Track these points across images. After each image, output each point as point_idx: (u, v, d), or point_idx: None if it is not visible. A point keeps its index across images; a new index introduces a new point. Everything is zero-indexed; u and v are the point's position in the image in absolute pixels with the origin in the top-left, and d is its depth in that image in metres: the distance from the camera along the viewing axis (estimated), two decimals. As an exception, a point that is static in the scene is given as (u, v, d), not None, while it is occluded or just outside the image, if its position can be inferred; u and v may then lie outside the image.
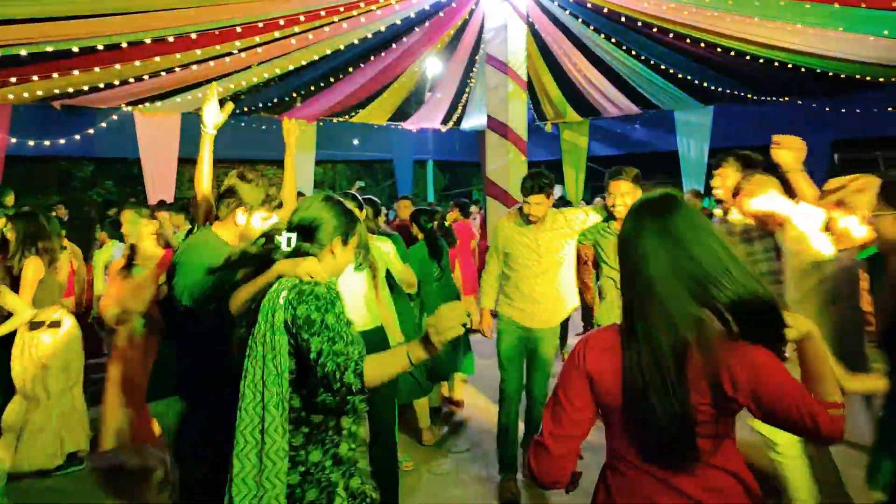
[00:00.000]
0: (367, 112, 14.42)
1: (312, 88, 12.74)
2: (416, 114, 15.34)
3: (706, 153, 13.32)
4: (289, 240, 2.32)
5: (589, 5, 9.83)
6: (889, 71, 10.79)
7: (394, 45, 11.43)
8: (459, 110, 15.19)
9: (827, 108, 12.27)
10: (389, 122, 15.23)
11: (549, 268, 4.40)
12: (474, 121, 15.04)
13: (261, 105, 13.66)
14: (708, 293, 1.59)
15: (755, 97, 12.72)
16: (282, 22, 8.96)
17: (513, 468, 4.53)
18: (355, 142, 15.23)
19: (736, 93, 12.73)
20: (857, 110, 12.00)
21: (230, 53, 9.83)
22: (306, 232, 2.35)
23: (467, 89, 14.21)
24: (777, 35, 9.82)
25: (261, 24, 8.87)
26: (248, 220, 3.21)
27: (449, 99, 14.54)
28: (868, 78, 11.20)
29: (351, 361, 2.05)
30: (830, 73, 11.19)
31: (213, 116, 3.42)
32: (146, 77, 9.95)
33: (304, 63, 11.16)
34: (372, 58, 11.84)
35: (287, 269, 2.24)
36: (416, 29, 10.94)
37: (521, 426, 4.65)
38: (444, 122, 15.75)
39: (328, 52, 10.89)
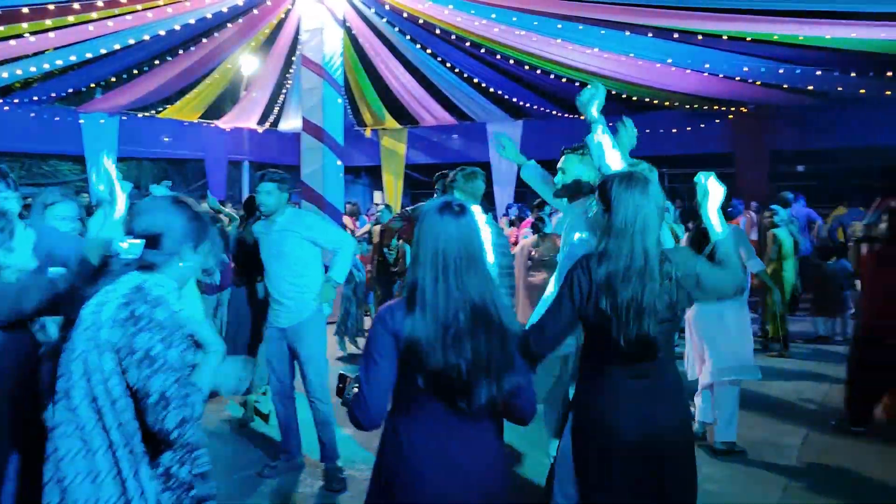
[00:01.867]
0: (176, 108, 13.69)
1: (114, 80, 11.90)
2: (231, 112, 14.79)
3: (515, 165, 13.98)
4: (131, 247, 2.03)
5: (405, 15, 9.99)
6: (671, 95, 11.97)
7: (204, 40, 10.95)
8: (276, 111, 14.84)
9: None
10: (201, 120, 14.56)
11: None
12: (292, 122, 14.76)
13: (54, 95, 12.54)
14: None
15: (560, 114, 13.56)
16: (77, 6, 8.29)
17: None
18: (166, 139, 14.38)
19: (543, 109, 13.51)
20: (647, 130, 13.17)
21: (18, 36, 8.97)
22: (151, 239, 2.06)
23: (284, 90, 13.93)
24: (578, 57, 10.55)
25: (52, 7, 8.15)
26: None
27: (265, 98, 14.16)
28: (655, 101, 12.35)
29: (195, 411, 1.91)
30: (624, 95, 12.21)
31: None
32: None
33: (103, 52, 10.39)
34: (181, 52, 11.27)
35: None
36: (229, 25, 10.55)
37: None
38: (261, 122, 15.32)
39: (132, 42, 10.22)
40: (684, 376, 4.95)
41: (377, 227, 8.59)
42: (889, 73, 10.22)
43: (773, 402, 6.10)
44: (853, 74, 10.27)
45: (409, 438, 2.08)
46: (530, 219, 7.79)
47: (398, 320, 2.06)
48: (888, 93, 10.77)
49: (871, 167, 15.67)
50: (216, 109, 14.80)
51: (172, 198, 2.20)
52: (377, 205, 12.38)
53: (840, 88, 10.78)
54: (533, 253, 6.27)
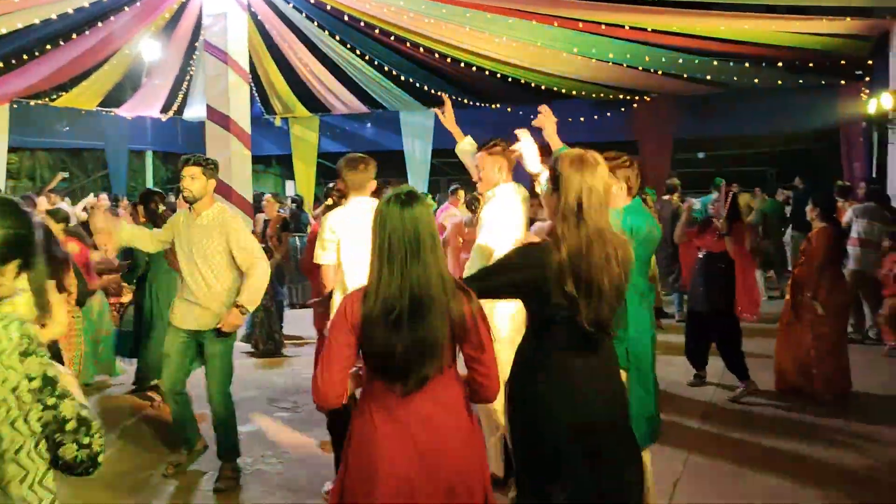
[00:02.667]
0: (72, 95, 13.02)
1: (2, 66, 11.20)
2: (132, 100, 14.19)
3: (429, 154, 14.05)
4: None
5: (312, 1, 9.83)
6: (579, 85, 12.24)
7: (100, 24, 10.45)
8: (180, 98, 14.34)
9: (531, 116, 13.51)
10: (100, 108, 13.92)
11: None
12: (197, 110, 14.30)
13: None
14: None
15: (471, 102, 13.65)
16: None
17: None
18: (65, 128, 13.63)
19: (454, 97, 13.57)
20: (555, 119, 13.42)
21: None
22: None
23: (188, 77, 13.47)
24: (487, 46, 10.65)
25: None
26: None
27: (168, 86, 13.65)
28: (563, 90, 12.60)
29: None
30: (533, 84, 12.41)
31: None
32: None
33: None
34: (75, 36, 10.72)
35: None
36: (126, 8, 10.11)
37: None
38: (164, 110, 14.76)
39: (20, 25, 9.66)
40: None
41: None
42: (780, 64, 10.79)
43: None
44: (747, 65, 10.78)
45: (371, 417, 2.21)
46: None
47: (356, 308, 2.18)
48: (780, 82, 11.35)
49: (766, 153, 16.50)
50: (116, 97, 14.15)
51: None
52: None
53: (735, 78, 11.29)
54: (467, 231, 6.20)
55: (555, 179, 2.43)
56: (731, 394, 5.77)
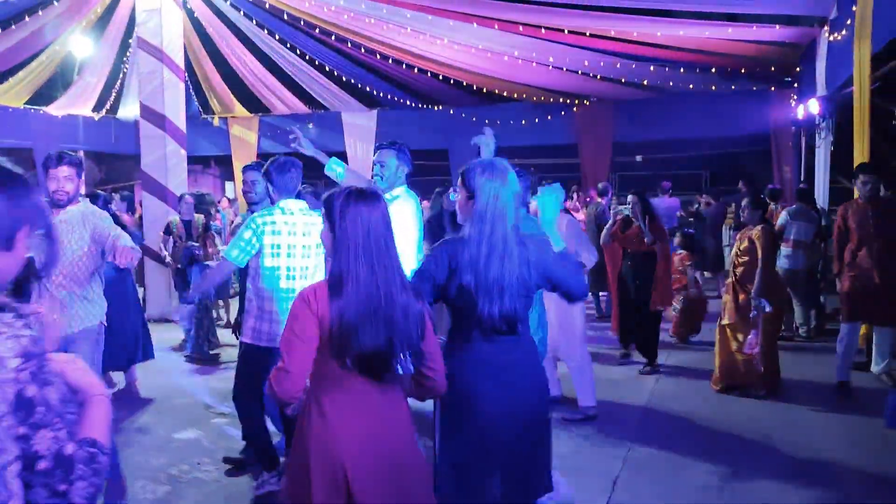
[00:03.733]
0: (-2, 92, 12.49)
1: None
2: (63, 98, 13.69)
3: (372, 155, 13.93)
4: None
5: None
6: (520, 88, 12.36)
7: (27, 18, 10.04)
8: (114, 96, 13.91)
9: (474, 118, 13.63)
10: (28, 106, 13.38)
11: None
12: (131, 109, 13.89)
13: None
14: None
15: (413, 104, 13.64)
16: None
17: None
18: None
19: (397, 99, 13.53)
20: (498, 122, 13.51)
21: None
22: None
23: (121, 74, 13.07)
24: (428, 47, 10.64)
25: None
26: None
27: (101, 83, 13.23)
28: (504, 93, 12.70)
29: None
30: (475, 86, 12.47)
31: None
32: None
33: None
34: (1, 31, 10.29)
35: None
36: (56, 2, 9.74)
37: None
38: (97, 108, 14.30)
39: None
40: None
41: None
42: (713, 70, 11.09)
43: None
44: (682, 70, 11.04)
45: (336, 413, 2.22)
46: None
47: (322, 303, 2.18)
48: (714, 87, 11.67)
49: (699, 157, 16.95)
50: (46, 95, 13.63)
51: None
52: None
53: (671, 83, 11.56)
54: None
55: (468, 187, 2.60)
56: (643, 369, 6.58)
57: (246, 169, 4.80)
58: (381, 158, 3.95)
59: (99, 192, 6.67)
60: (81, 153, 15.53)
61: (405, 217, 3.80)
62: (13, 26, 10.24)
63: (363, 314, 2.18)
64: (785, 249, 7.51)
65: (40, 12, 9.96)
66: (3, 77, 12.10)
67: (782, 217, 7.73)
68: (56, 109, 13.79)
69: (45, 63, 12.20)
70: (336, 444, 2.21)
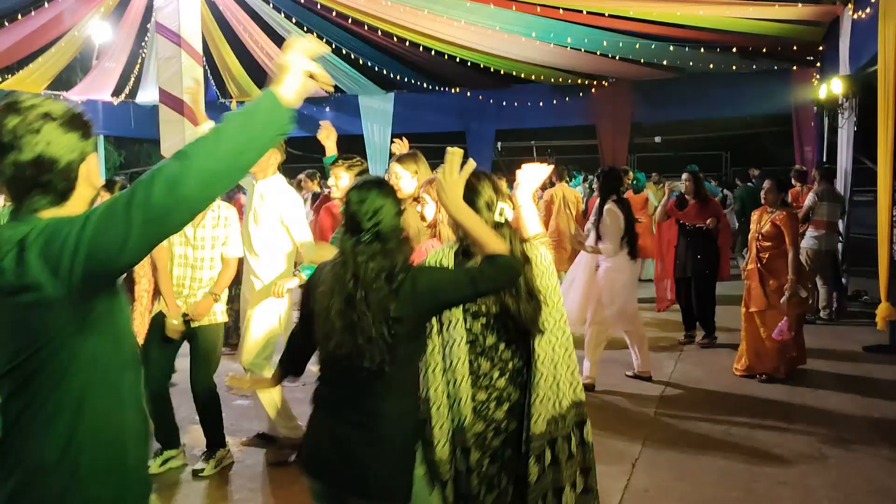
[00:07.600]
0: (19, 78, 12.58)
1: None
2: (82, 83, 13.78)
3: (389, 137, 13.94)
4: None
5: (266, -18, 9.65)
6: (538, 69, 12.26)
7: (46, 5, 10.10)
8: (132, 81, 13.97)
9: (491, 101, 13.56)
10: (48, 91, 13.48)
11: None
12: (150, 94, 13.96)
13: None
14: None
15: (430, 86, 13.58)
16: None
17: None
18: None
19: (413, 81, 13.48)
20: (515, 103, 13.44)
21: None
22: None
23: (140, 59, 13.12)
24: (445, 29, 10.57)
25: None
26: None
27: (120, 69, 13.29)
28: (522, 75, 12.60)
29: None
30: (492, 69, 12.38)
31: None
32: None
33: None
34: (20, 17, 10.35)
35: None
36: (74, -12, 9.79)
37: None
38: (116, 93, 14.38)
39: (-40, 4, 9.30)
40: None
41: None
42: (734, 50, 10.93)
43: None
44: (702, 50, 10.89)
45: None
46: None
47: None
48: (734, 68, 11.51)
49: (718, 138, 16.76)
50: (65, 80, 13.72)
51: None
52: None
53: (691, 63, 11.41)
54: None
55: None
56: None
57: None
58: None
59: (116, 177, 6.72)
60: (101, 137, 15.69)
61: None
62: (32, 12, 10.30)
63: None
64: (812, 230, 7.45)
65: (59, -2, 10.01)
66: (24, 63, 12.20)
67: (809, 198, 7.66)
68: (75, 94, 13.89)
69: (65, 48, 12.26)
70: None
